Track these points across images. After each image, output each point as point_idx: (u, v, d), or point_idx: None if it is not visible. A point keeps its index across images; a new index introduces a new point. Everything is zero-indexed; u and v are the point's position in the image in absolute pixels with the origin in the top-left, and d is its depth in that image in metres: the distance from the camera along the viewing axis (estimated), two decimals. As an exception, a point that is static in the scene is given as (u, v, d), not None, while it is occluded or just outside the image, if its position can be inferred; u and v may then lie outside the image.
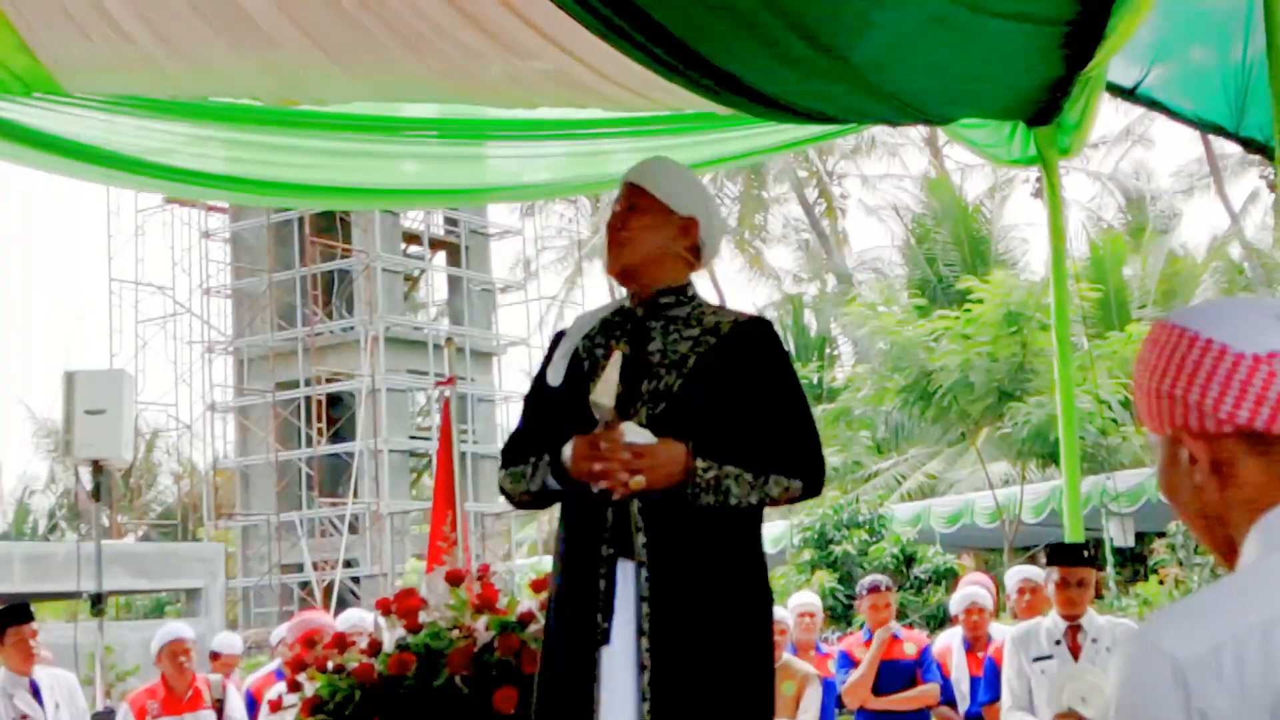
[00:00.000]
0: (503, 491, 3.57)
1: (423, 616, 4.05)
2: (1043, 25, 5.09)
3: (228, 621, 29.87)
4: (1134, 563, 22.07)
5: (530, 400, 3.61)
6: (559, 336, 3.61)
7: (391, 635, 4.06)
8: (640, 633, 3.12)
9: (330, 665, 4.02)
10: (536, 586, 4.28)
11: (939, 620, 16.52)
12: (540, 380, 3.54)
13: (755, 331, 3.48)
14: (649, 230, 3.50)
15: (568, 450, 3.29)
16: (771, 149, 7.34)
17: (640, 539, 3.18)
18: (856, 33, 4.84)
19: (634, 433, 3.20)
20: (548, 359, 3.55)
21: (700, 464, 3.21)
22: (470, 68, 5.05)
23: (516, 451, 3.51)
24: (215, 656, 9.14)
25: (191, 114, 5.71)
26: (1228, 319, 1.55)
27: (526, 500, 3.46)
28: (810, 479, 3.38)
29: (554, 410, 3.44)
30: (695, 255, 3.57)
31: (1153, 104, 6.27)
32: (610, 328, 3.53)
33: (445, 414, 6.57)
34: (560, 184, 8.88)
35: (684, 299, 3.52)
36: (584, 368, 3.44)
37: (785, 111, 5.60)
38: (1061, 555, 5.92)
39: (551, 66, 4.99)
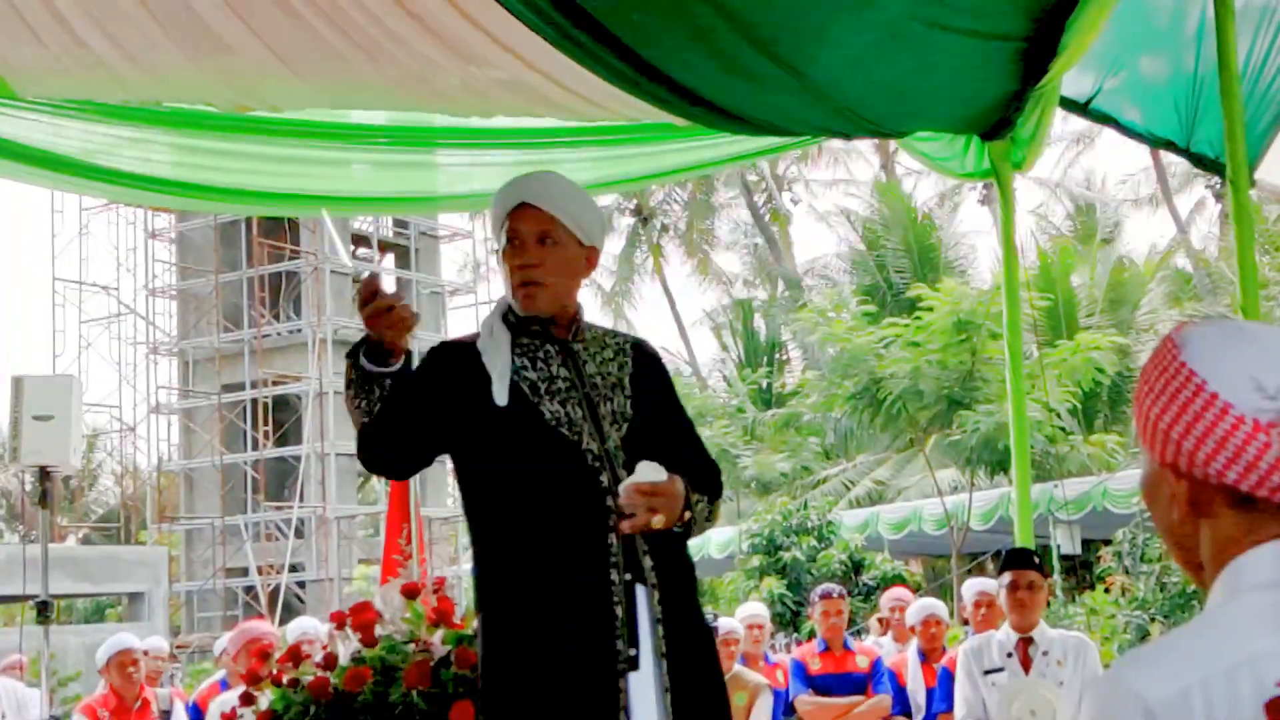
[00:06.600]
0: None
1: (378, 630, 4.03)
2: (997, 41, 5.13)
3: (171, 626, 29.63)
4: (1081, 570, 22.23)
5: (417, 396, 3.28)
6: (444, 352, 3.36)
7: (346, 648, 4.03)
8: (660, 655, 3.13)
9: (285, 679, 3.99)
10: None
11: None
12: (420, 382, 3.29)
13: (650, 353, 3.51)
14: (565, 268, 3.34)
15: None
16: (727, 160, 7.33)
17: (648, 562, 3.17)
18: (812, 47, 4.85)
19: (649, 470, 3.13)
20: (431, 368, 3.32)
21: (694, 496, 3.24)
22: (427, 76, 5.02)
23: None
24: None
25: (139, 118, 5.66)
26: (1236, 370, 1.51)
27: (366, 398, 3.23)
28: (720, 493, 3.46)
29: (496, 428, 3.21)
30: None
31: (1105, 119, 6.32)
32: (529, 350, 3.31)
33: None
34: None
35: (584, 320, 3.43)
36: (523, 390, 3.24)
37: (741, 123, 5.60)
38: (1011, 559, 6.03)
39: (508, 75, 4.97)
